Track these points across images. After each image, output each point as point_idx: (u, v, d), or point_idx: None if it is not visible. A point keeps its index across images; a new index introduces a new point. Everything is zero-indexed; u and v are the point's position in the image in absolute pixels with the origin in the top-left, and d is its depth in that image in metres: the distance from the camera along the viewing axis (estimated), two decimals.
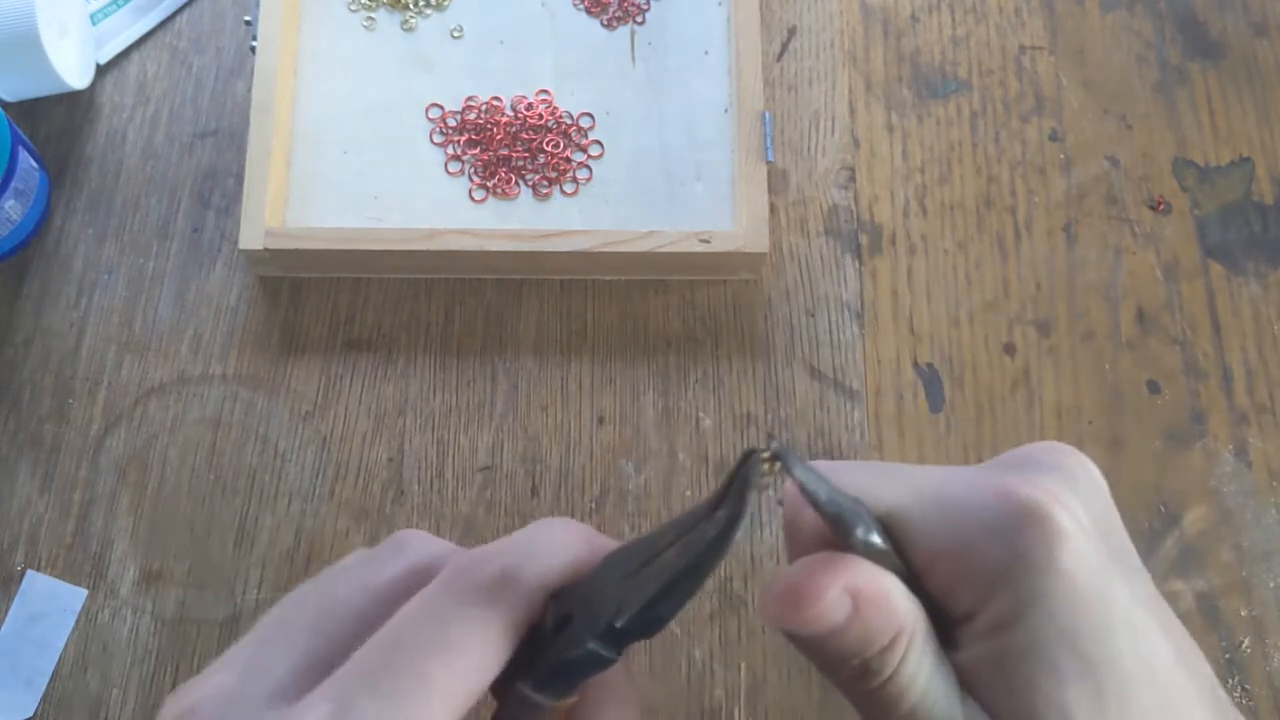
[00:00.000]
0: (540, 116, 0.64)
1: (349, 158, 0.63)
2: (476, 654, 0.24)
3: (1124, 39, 0.68)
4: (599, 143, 0.64)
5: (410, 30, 0.66)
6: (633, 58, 0.65)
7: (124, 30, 0.67)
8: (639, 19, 0.66)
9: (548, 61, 0.65)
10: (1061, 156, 0.65)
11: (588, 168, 0.63)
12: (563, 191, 0.63)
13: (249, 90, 0.65)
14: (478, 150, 0.63)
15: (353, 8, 0.66)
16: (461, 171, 0.63)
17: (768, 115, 0.62)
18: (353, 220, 0.61)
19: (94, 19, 0.66)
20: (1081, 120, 0.66)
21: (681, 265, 0.60)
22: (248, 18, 0.65)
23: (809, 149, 0.65)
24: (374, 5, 0.66)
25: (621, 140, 0.64)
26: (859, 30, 0.68)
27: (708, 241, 0.59)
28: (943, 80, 0.67)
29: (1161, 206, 0.58)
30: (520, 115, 0.64)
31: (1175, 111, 0.67)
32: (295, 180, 0.62)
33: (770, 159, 0.61)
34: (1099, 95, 0.67)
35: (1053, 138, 0.66)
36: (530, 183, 0.63)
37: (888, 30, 0.68)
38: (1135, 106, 0.67)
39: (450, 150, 0.63)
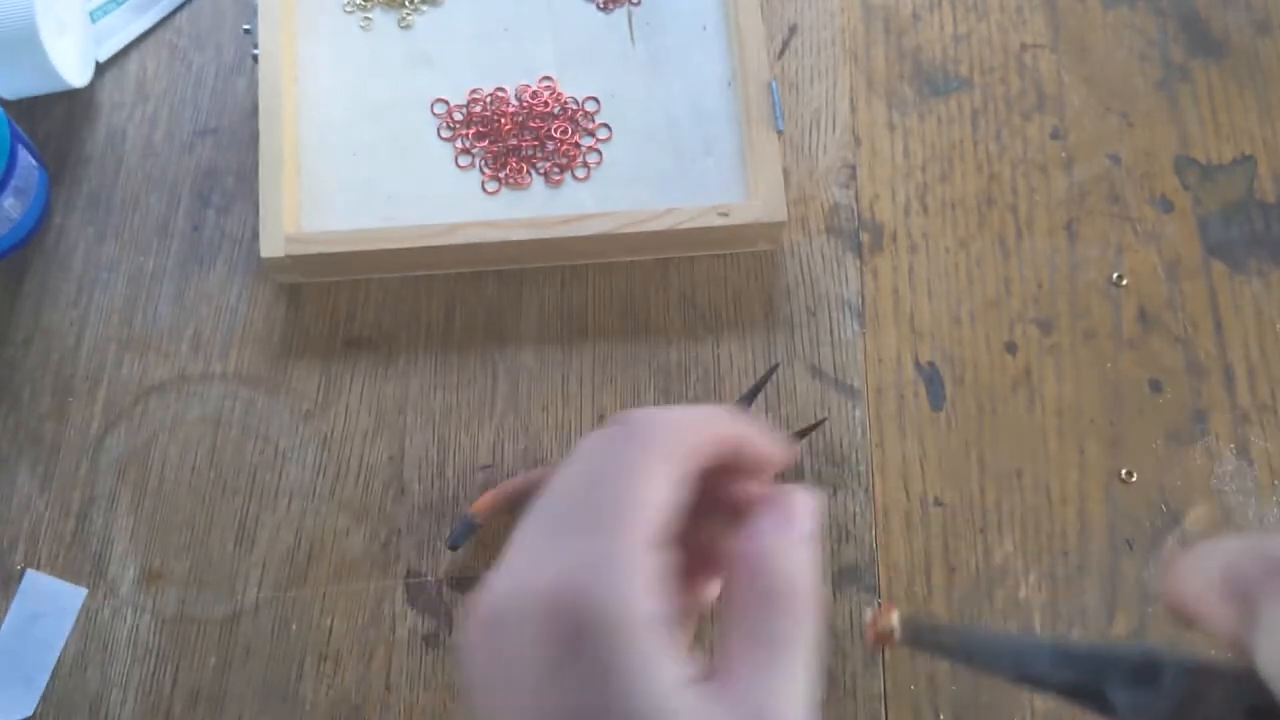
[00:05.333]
0: (546, 104, 0.64)
1: (358, 159, 0.63)
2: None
3: (1126, 36, 0.68)
4: (606, 125, 0.64)
5: (408, 27, 0.66)
6: (632, 38, 0.66)
7: (123, 28, 0.67)
8: (634, 0, 0.66)
9: (548, 48, 0.65)
10: (1063, 154, 0.65)
11: (597, 151, 0.63)
12: (574, 177, 0.63)
13: (249, 89, 0.65)
14: (486, 142, 0.63)
15: (348, 9, 0.66)
16: (472, 165, 0.63)
17: (774, 85, 0.62)
18: (367, 221, 0.61)
19: (93, 16, 0.66)
20: (1083, 118, 0.66)
21: (701, 241, 0.61)
22: (246, 26, 0.65)
23: (810, 147, 0.65)
24: (369, 5, 0.66)
25: (628, 122, 0.64)
26: (860, 28, 0.68)
27: (726, 215, 0.59)
28: (944, 78, 0.67)
29: None
30: (526, 104, 0.64)
31: (1177, 109, 0.66)
32: (307, 186, 0.62)
33: (780, 128, 0.61)
34: (1101, 93, 0.67)
35: (1054, 135, 0.66)
36: (541, 171, 0.63)
37: (889, 28, 0.68)
38: (1137, 104, 0.66)
39: (459, 144, 0.63)
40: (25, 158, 0.60)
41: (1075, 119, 0.66)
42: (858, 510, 0.58)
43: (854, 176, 0.65)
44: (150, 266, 0.62)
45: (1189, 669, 0.25)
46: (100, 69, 0.66)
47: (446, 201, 0.62)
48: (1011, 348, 0.61)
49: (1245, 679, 0.24)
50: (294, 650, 0.55)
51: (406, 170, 0.63)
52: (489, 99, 0.64)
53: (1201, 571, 0.27)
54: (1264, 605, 0.25)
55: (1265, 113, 0.66)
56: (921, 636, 0.26)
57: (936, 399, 0.60)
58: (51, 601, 0.56)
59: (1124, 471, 0.59)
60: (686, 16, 0.66)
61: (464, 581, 0.56)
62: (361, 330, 0.61)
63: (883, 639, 0.25)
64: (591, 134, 0.64)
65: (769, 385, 0.60)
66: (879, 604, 0.26)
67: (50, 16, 0.61)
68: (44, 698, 0.54)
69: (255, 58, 0.62)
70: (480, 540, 0.57)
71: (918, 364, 0.61)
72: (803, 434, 0.58)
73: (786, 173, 0.64)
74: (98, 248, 0.63)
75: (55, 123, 0.65)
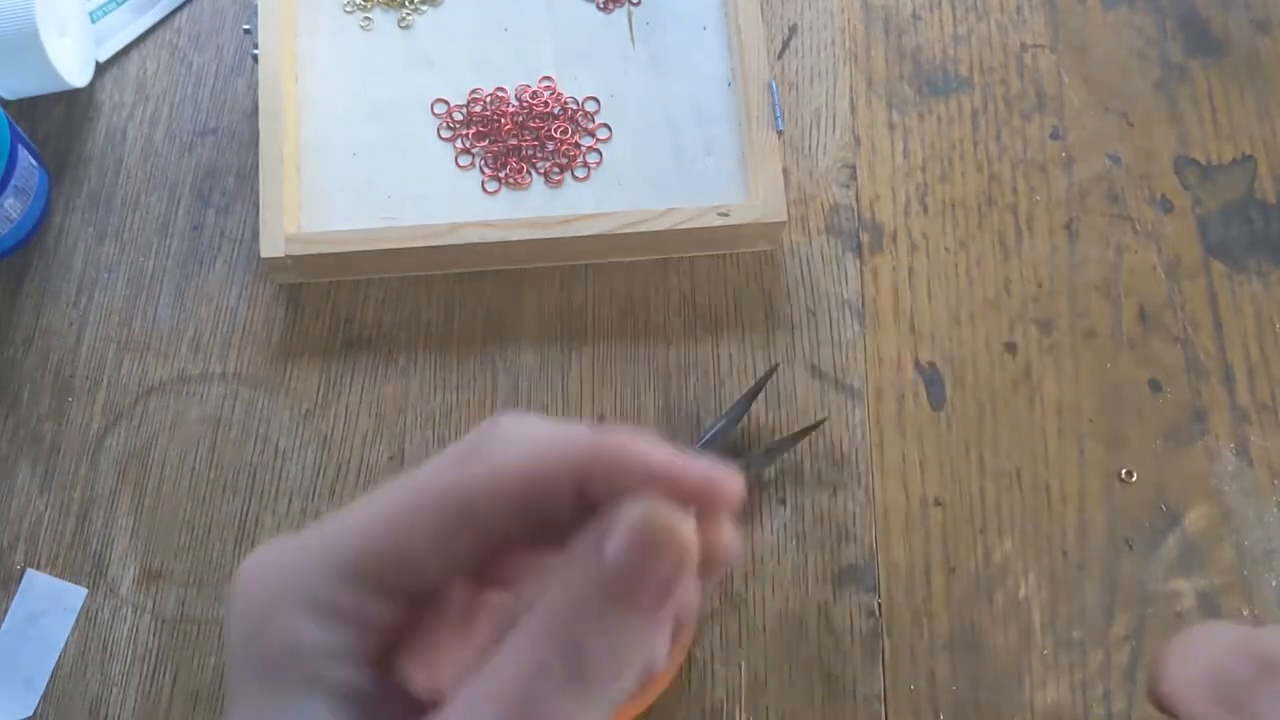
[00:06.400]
0: (546, 104, 0.64)
1: (358, 159, 0.63)
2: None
3: (1126, 36, 0.68)
4: (607, 126, 0.64)
5: (408, 27, 0.66)
6: (632, 39, 0.66)
7: (123, 28, 0.67)
8: (634, 0, 0.66)
9: (548, 49, 0.65)
10: (1063, 154, 0.65)
11: (598, 151, 0.63)
12: (574, 177, 0.63)
13: (249, 89, 0.65)
14: (486, 142, 0.63)
15: (348, 9, 0.66)
16: (472, 164, 0.63)
17: (774, 85, 0.62)
18: (368, 221, 0.61)
19: (93, 17, 0.66)
20: (1083, 118, 0.66)
21: (701, 241, 0.61)
22: (246, 26, 0.65)
23: (810, 147, 0.65)
24: (369, 5, 0.66)
25: (629, 122, 0.64)
26: (860, 28, 0.68)
27: (727, 215, 0.59)
28: (944, 78, 0.67)
29: None
30: (526, 104, 0.64)
31: (1177, 109, 0.66)
32: (307, 185, 0.62)
33: (780, 128, 0.61)
34: (1100, 93, 0.67)
35: (1054, 136, 0.66)
36: (541, 171, 0.63)
37: (889, 28, 0.68)
38: (1137, 104, 0.66)
39: (459, 144, 0.63)
40: (25, 158, 0.60)
41: (1075, 119, 0.66)
42: (857, 510, 0.58)
43: (854, 176, 0.65)
44: (150, 266, 0.62)
45: None
46: (100, 69, 0.66)
47: (446, 201, 0.62)
48: (1011, 348, 0.61)
49: None
50: None
51: (406, 170, 0.63)
52: (489, 99, 0.64)
53: (1190, 671, 0.25)
54: (1260, 712, 0.24)
55: (1265, 113, 0.66)
56: None
57: (936, 399, 0.60)
58: (51, 601, 0.56)
59: (1124, 471, 0.59)
60: (686, 16, 0.66)
61: None
62: (361, 330, 0.61)
63: None
64: (591, 134, 0.64)
65: (769, 385, 0.60)
66: None
67: (50, 17, 0.61)
68: (44, 698, 0.54)
69: (255, 58, 0.62)
70: None
71: (918, 364, 0.61)
72: (802, 434, 0.58)
73: (786, 173, 0.64)
74: (98, 248, 0.63)
75: (55, 123, 0.65)
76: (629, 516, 0.23)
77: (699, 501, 0.23)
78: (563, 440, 0.24)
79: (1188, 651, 0.26)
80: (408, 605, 0.25)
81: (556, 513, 0.24)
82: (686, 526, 0.23)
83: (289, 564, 0.25)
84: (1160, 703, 0.26)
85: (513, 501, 0.24)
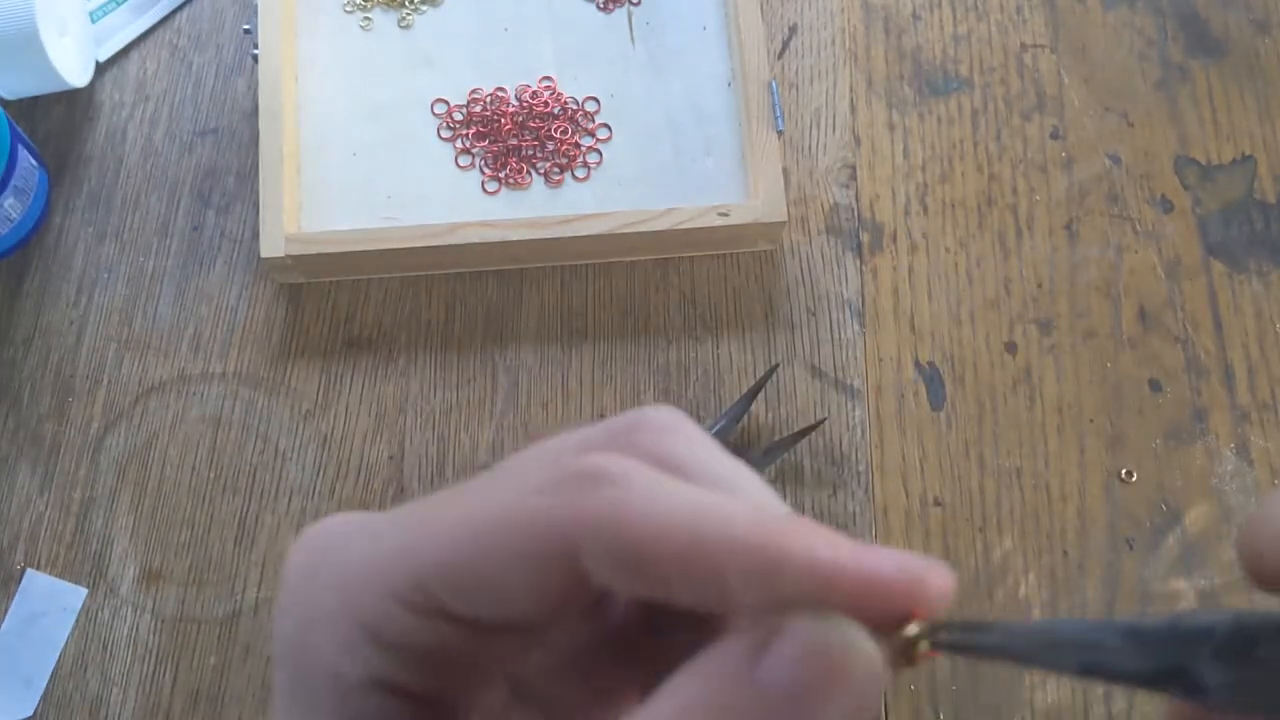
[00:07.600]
0: (546, 104, 0.64)
1: (358, 159, 0.63)
2: None
3: (1126, 36, 0.68)
4: (607, 126, 0.64)
5: (408, 27, 0.66)
6: (632, 39, 0.66)
7: (123, 28, 0.67)
8: (634, 0, 0.66)
9: (548, 49, 0.65)
10: (1063, 154, 0.65)
11: (598, 152, 0.63)
12: (574, 177, 0.63)
13: (249, 89, 0.65)
14: (486, 142, 0.63)
15: (348, 9, 0.66)
16: (472, 165, 0.63)
17: (774, 85, 0.62)
18: (368, 221, 0.61)
19: (93, 17, 0.66)
20: (1083, 118, 0.66)
21: (701, 241, 0.61)
22: (246, 26, 0.65)
23: (810, 147, 0.65)
24: (369, 5, 0.66)
25: (629, 122, 0.64)
26: (860, 28, 0.68)
27: (727, 215, 0.59)
28: (944, 78, 0.67)
29: None
30: (526, 104, 0.64)
31: (1177, 109, 0.66)
32: (307, 186, 0.62)
33: (780, 128, 0.61)
34: (1100, 93, 0.67)
35: (1054, 136, 0.66)
36: (541, 171, 0.63)
37: (889, 28, 0.68)
38: (1137, 104, 0.66)
39: (459, 144, 0.63)
40: (25, 158, 0.60)
41: (1075, 119, 0.66)
42: (857, 510, 0.58)
43: (854, 176, 0.65)
44: (150, 266, 0.62)
45: None
46: (100, 69, 0.66)
47: (446, 201, 0.62)
48: (1011, 347, 0.61)
49: None
50: None
51: (406, 170, 0.63)
52: (489, 99, 0.64)
53: (1274, 522, 0.21)
54: None
55: (1265, 113, 0.66)
56: (960, 641, 0.20)
57: (936, 399, 0.60)
58: (51, 601, 0.56)
59: (1124, 471, 0.59)
60: (686, 16, 0.66)
61: None
62: (361, 330, 0.61)
63: (906, 654, 0.20)
64: (591, 134, 0.64)
65: (769, 385, 0.60)
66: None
67: (50, 17, 0.61)
68: (44, 698, 0.54)
69: (255, 58, 0.62)
70: None
71: (918, 364, 0.61)
72: (802, 434, 0.58)
73: (786, 173, 0.64)
74: (98, 248, 0.63)
75: (55, 123, 0.65)
76: (802, 630, 0.18)
77: (891, 606, 0.19)
78: (728, 513, 0.19)
79: (1272, 507, 0.22)
80: (481, 633, 0.21)
81: (698, 598, 0.19)
82: (877, 663, 0.18)
83: (352, 559, 0.22)
84: (1254, 573, 0.21)
85: (636, 564, 0.19)
